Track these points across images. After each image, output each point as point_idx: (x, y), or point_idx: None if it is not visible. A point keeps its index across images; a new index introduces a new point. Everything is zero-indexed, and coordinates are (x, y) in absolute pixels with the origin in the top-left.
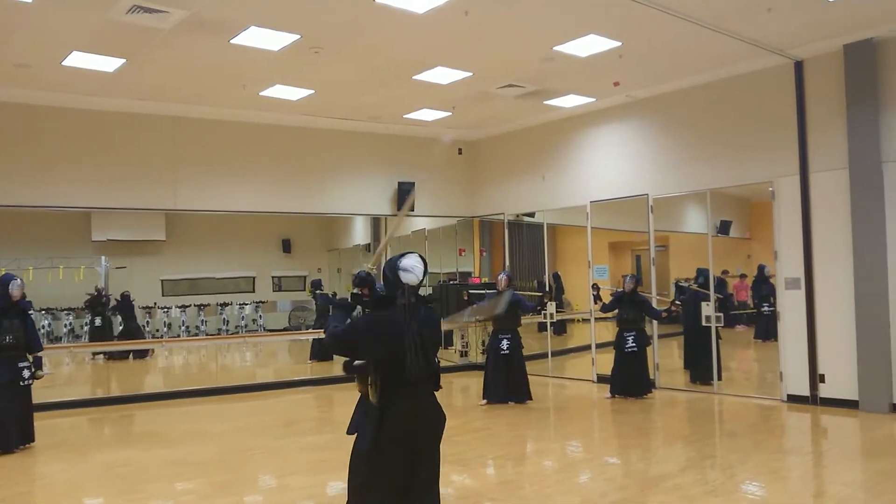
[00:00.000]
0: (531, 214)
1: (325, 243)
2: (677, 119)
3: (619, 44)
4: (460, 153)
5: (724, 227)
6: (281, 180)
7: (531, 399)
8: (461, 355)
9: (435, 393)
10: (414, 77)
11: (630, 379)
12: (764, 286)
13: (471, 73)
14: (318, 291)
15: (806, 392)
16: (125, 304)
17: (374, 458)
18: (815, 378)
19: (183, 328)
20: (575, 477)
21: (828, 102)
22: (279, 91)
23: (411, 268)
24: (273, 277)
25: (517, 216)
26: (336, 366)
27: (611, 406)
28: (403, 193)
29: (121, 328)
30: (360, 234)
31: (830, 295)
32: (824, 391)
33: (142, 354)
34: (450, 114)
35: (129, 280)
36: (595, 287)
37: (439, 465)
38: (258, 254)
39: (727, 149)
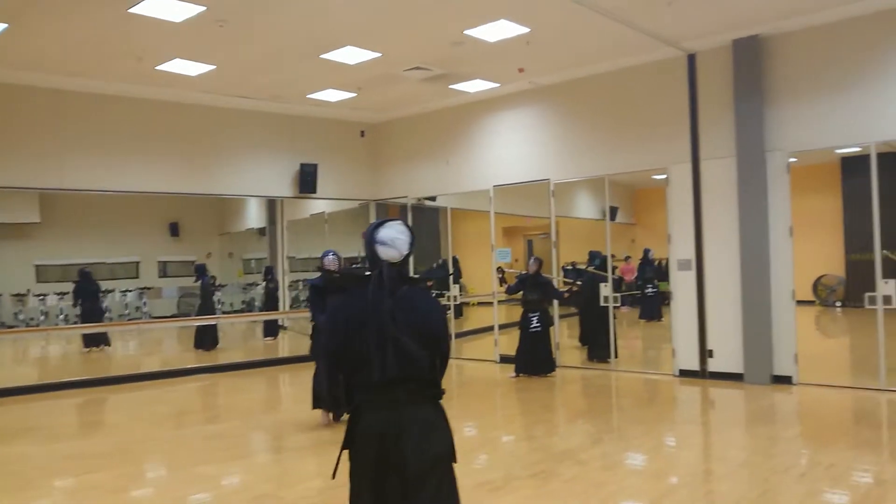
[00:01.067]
0: (433, 198)
1: (217, 227)
2: (578, 106)
3: (527, 30)
4: (363, 136)
5: (612, 213)
6: (175, 160)
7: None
8: None
9: (432, 404)
10: (322, 56)
11: (534, 358)
12: (648, 269)
13: (380, 54)
14: (203, 277)
15: (696, 367)
16: None
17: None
18: (705, 353)
19: (61, 317)
20: (492, 453)
21: (718, 94)
22: (178, 66)
23: (391, 240)
24: (159, 262)
25: (418, 199)
26: (223, 353)
27: (516, 385)
28: (306, 175)
29: None
30: (254, 217)
31: (718, 276)
32: (713, 365)
33: None
34: (355, 95)
35: None
36: (500, 270)
37: None
38: (144, 238)
39: (625, 136)
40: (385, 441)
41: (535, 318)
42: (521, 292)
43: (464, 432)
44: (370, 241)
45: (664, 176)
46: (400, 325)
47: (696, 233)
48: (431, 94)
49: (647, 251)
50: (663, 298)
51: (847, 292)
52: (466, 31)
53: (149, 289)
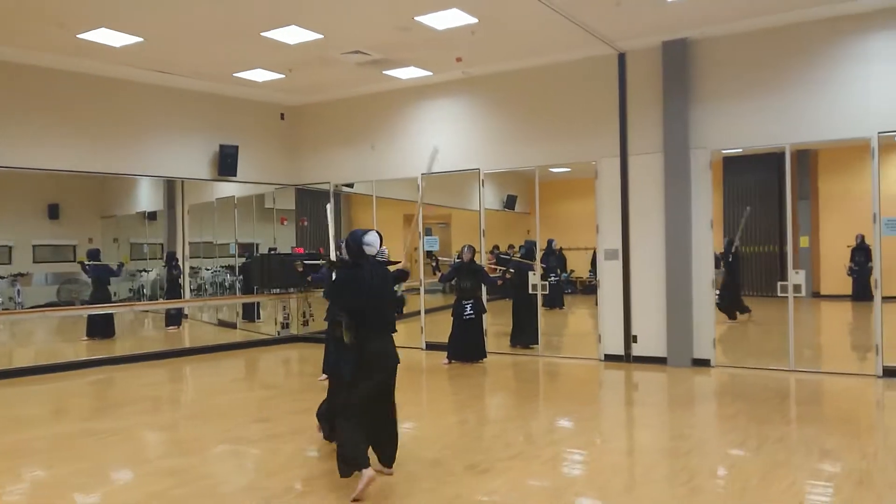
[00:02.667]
0: (350, 185)
1: (100, 209)
2: (511, 98)
3: (476, 20)
4: (282, 118)
5: (510, 202)
6: (73, 135)
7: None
8: (282, 327)
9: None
10: (263, 33)
11: (467, 345)
12: (552, 258)
13: (322, 36)
14: (92, 262)
15: (621, 351)
16: None
17: (352, 384)
18: (629, 338)
19: None
20: (462, 437)
21: (646, 92)
22: (102, 35)
23: (372, 242)
24: (34, 247)
25: (336, 186)
26: (118, 343)
27: (452, 371)
28: (226, 157)
29: None
30: (145, 199)
31: (644, 265)
32: (637, 350)
33: None
34: (283, 76)
35: None
36: (433, 258)
37: (394, 397)
38: (17, 220)
39: (556, 129)
40: (381, 356)
41: (468, 306)
42: (455, 280)
43: (427, 419)
44: (358, 242)
45: (566, 169)
46: (384, 291)
47: (623, 224)
48: (361, 79)
49: (550, 241)
50: (565, 287)
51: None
52: (417, 17)
53: (23, 275)
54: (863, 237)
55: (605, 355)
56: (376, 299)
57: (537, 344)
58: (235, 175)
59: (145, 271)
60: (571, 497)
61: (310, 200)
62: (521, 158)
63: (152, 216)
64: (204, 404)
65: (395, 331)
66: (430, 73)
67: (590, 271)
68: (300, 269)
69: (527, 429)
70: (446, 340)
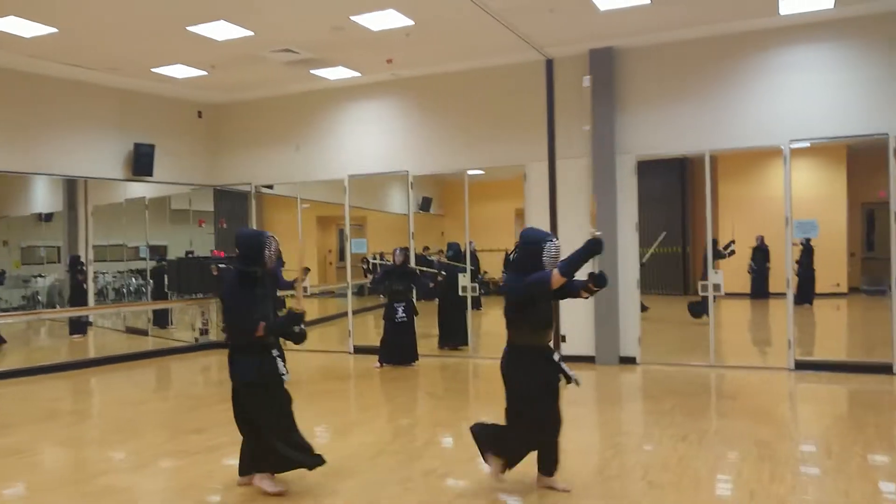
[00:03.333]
0: (270, 186)
1: None
2: (440, 101)
3: (412, 23)
4: (200, 116)
5: (425, 204)
6: None
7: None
8: (201, 333)
9: None
10: (188, 27)
11: (400, 348)
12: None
13: (252, 33)
14: None
15: None
16: None
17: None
18: (558, 338)
19: None
20: (417, 441)
21: (574, 98)
22: (12, 24)
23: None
24: None
25: (257, 188)
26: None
27: (386, 374)
28: (141, 156)
29: None
30: (41, 200)
31: None
32: (566, 349)
33: None
34: (206, 73)
35: None
36: (365, 261)
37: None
38: None
39: (485, 132)
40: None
41: (400, 309)
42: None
43: (375, 423)
44: (260, 246)
45: (479, 171)
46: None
47: (552, 227)
48: (287, 78)
49: (470, 242)
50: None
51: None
52: (353, 17)
53: None
54: (762, 238)
55: None
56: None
57: (467, 345)
58: (151, 175)
59: (41, 276)
60: (539, 496)
61: (229, 202)
62: (450, 161)
63: (48, 217)
64: (127, 416)
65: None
66: (359, 74)
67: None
68: (215, 273)
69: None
70: (374, 343)
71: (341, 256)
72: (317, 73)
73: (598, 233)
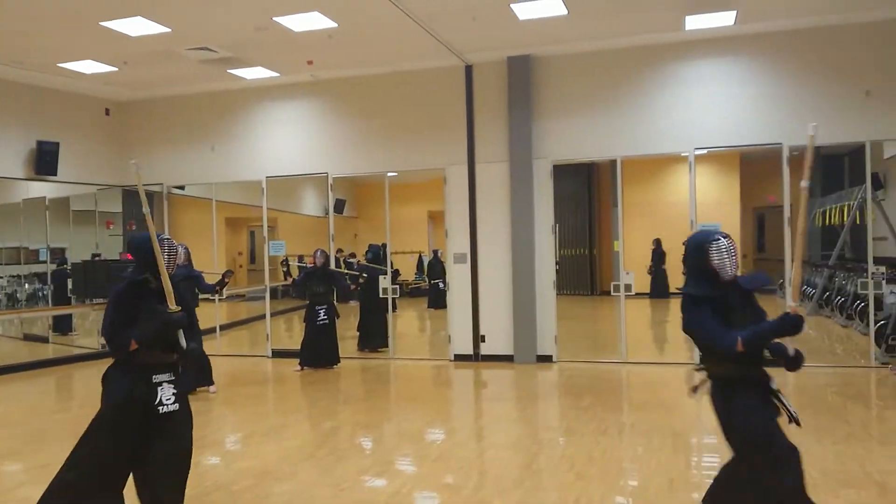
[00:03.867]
0: (181, 187)
1: None
2: (360, 103)
3: (335, 25)
4: (108, 114)
5: (339, 206)
6: None
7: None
8: None
9: None
10: (102, 23)
11: (320, 351)
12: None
13: (169, 30)
14: None
15: (470, 351)
16: None
17: None
18: (478, 338)
19: None
20: (350, 443)
21: (493, 104)
22: None
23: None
24: None
25: (169, 188)
26: None
27: (308, 378)
28: (45, 155)
29: None
30: None
31: (491, 267)
32: (485, 349)
33: None
34: (116, 69)
35: None
36: (285, 263)
37: None
38: None
39: (406, 136)
40: None
41: (322, 311)
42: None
43: (302, 427)
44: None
45: (393, 174)
46: None
47: (472, 229)
48: (202, 76)
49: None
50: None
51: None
52: (276, 18)
53: None
54: (659, 241)
55: (455, 355)
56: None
57: (387, 347)
58: (56, 174)
59: None
60: (471, 492)
61: (139, 203)
62: (370, 163)
63: None
64: (38, 426)
65: None
66: (278, 75)
67: (416, 274)
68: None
69: (403, 432)
70: (291, 347)
71: (252, 258)
72: (234, 72)
73: (797, 306)
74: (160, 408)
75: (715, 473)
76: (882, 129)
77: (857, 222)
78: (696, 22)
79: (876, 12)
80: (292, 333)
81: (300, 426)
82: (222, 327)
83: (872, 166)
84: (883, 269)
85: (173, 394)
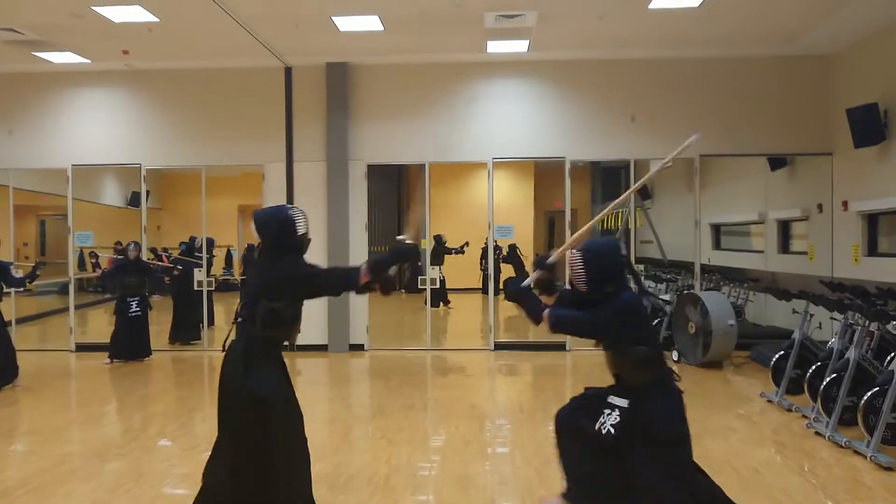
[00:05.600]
0: None
1: None
2: (179, 96)
3: (157, 20)
4: None
5: (134, 200)
6: None
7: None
8: None
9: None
10: None
11: (132, 343)
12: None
13: None
14: None
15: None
16: None
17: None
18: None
19: None
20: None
21: (312, 106)
22: None
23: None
24: None
25: None
26: None
27: (115, 371)
28: None
29: None
30: None
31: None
32: (299, 339)
33: None
34: None
35: None
36: (94, 255)
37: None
38: None
39: (225, 131)
40: None
41: (134, 303)
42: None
43: (106, 426)
44: None
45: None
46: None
47: None
48: (3, 56)
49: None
50: None
51: None
52: (94, 7)
53: None
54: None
55: None
56: None
57: (199, 339)
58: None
59: None
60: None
61: None
62: (187, 157)
63: None
64: None
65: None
66: (88, 61)
67: (224, 268)
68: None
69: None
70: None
71: (42, 250)
72: (40, 55)
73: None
74: None
75: (503, 433)
76: (644, 150)
77: (629, 227)
78: (496, 46)
79: (642, 50)
80: (86, 328)
81: (120, 413)
82: (17, 321)
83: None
84: (642, 266)
85: None
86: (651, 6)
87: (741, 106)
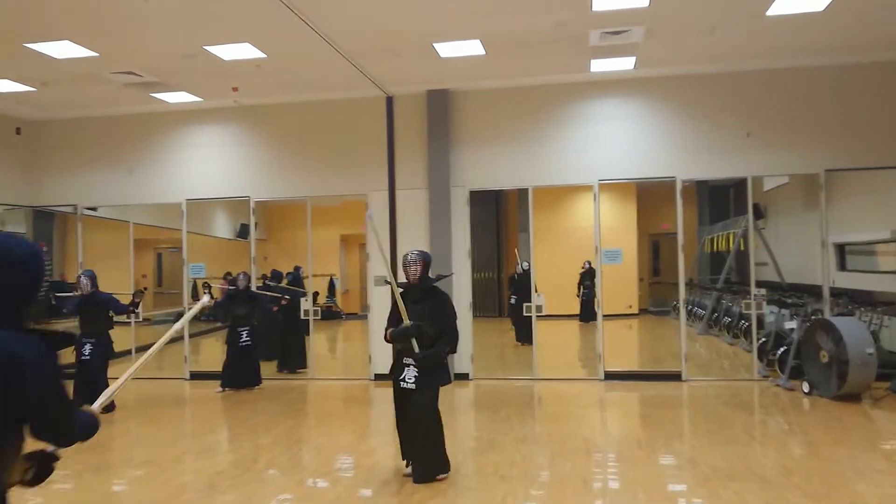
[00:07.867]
0: (93, 208)
1: None
2: (284, 129)
3: (264, 56)
4: (18, 133)
5: (243, 231)
6: None
7: None
8: None
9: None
10: (26, 45)
11: (242, 372)
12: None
13: (97, 54)
14: None
15: (386, 371)
16: None
17: None
18: None
19: None
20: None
21: (413, 134)
22: None
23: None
24: None
25: (83, 209)
26: None
27: (227, 399)
28: None
29: None
30: None
31: None
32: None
33: None
34: (34, 90)
35: None
36: (207, 285)
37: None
38: None
39: (328, 162)
40: None
41: (244, 333)
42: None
43: (236, 443)
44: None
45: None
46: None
47: (392, 252)
48: (123, 99)
49: (297, 268)
50: None
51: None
52: (206, 47)
53: None
54: (590, 263)
55: (375, 374)
56: None
57: (306, 368)
58: None
59: None
60: (406, 496)
61: (49, 223)
62: (293, 188)
63: None
64: None
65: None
66: (200, 99)
67: (327, 297)
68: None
69: (330, 446)
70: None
71: (159, 281)
72: (157, 96)
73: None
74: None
75: (622, 471)
76: (761, 166)
77: (742, 248)
78: (600, 65)
79: (758, 61)
80: (199, 357)
81: (235, 442)
82: (137, 349)
83: (754, 198)
84: (764, 291)
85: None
86: (769, 13)
87: (869, 116)
